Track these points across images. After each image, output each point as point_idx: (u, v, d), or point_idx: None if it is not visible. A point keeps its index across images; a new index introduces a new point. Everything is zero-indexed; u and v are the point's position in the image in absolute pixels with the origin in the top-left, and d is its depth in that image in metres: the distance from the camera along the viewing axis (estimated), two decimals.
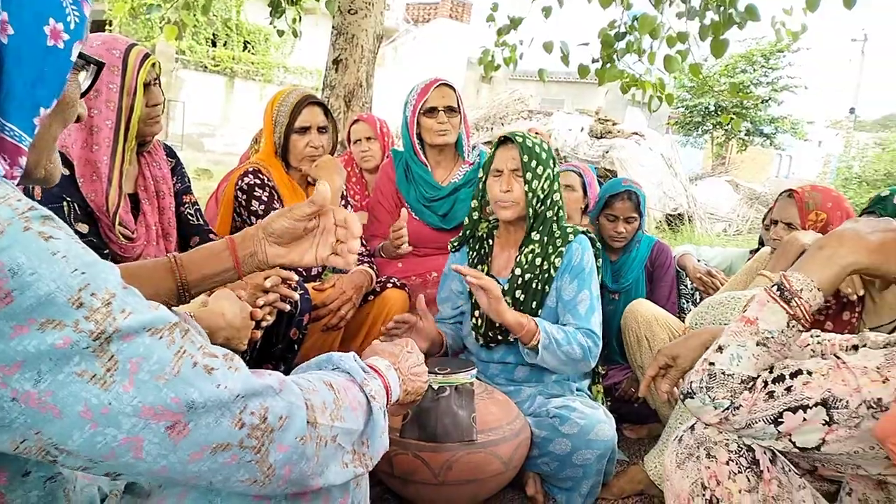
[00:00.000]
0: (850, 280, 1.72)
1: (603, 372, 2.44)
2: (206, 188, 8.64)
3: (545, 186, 2.07)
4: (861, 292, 1.76)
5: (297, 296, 1.78)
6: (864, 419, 0.99)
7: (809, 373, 1.04)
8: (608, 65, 4.47)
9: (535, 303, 2.08)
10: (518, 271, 2.09)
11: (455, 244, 2.28)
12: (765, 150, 21.03)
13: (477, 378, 1.94)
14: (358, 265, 2.34)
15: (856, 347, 1.20)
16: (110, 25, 11.73)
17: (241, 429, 0.73)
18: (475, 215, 2.21)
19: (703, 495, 1.07)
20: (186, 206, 2.03)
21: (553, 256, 2.07)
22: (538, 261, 2.08)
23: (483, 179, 2.15)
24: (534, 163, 2.04)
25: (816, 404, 1.01)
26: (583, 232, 2.14)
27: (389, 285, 2.31)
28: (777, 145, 21.20)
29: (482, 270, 2.18)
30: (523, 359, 2.07)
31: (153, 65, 1.80)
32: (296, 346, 2.06)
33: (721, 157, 18.90)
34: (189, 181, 2.09)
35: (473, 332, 2.16)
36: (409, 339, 1.25)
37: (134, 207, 1.87)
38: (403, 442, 1.75)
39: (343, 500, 0.93)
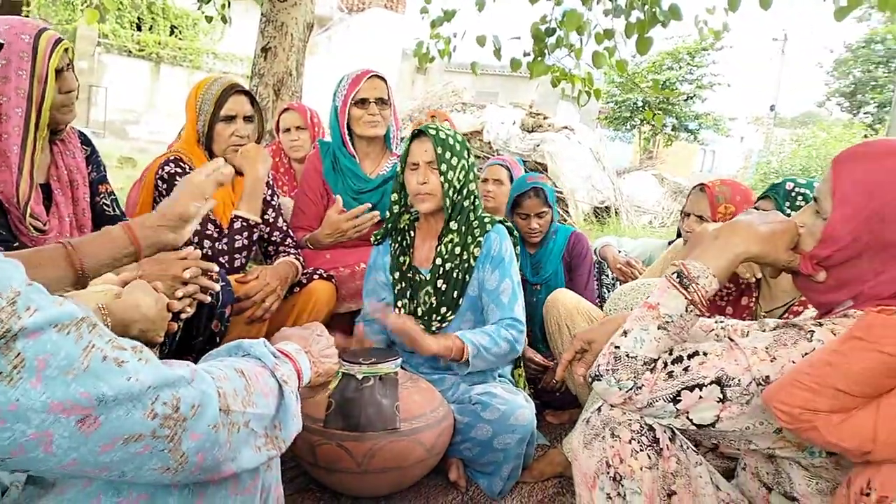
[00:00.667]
0: (749, 265, 1.83)
1: (524, 362, 2.51)
2: (129, 177, 8.33)
3: (461, 177, 2.12)
4: (759, 275, 1.87)
5: (217, 287, 1.76)
6: (755, 396, 1.07)
7: (705, 354, 1.12)
8: (539, 59, 4.55)
9: (456, 292, 2.13)
10: (439, 261, 2.14)
11: (378, 237, 2.30)
12: (689, 145, 21.78)
13: (402, 367, 1.97)
14: (284, 256, 2.33)
15: None
16: (27, 6, 11.17)
17: (153, 419, 0.74)
18: (396, 209, 2.24)
19: (608, 473, 1.13)
20: (102, 196, 1.98)
21: (472, 246, 2.13)
22: (458, 250, 2.13)
23: (401, 172, 2.18)
24: (448, 154, 2.08)
25: (711, 383, 1.09)
26: (500, 221, 2.20)
27: (316, 277, 2.31)
28: (701, 141, 22.00)
29: (405, 262, 2.22)
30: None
31: (66, 50, 1.74)
32: (217, 339, 2.04)
33: (648, 151, 19.50)
34: (105, 170, 2.03)
35: None
36: (318, 322, 1.28)
37: (46, 198, 1.80)
38: (327, 432, 1.76)
39: (253, 483, 0.94)
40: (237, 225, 2.13)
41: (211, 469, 0.82)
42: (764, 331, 1.15)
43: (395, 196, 2.23)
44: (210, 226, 2.15)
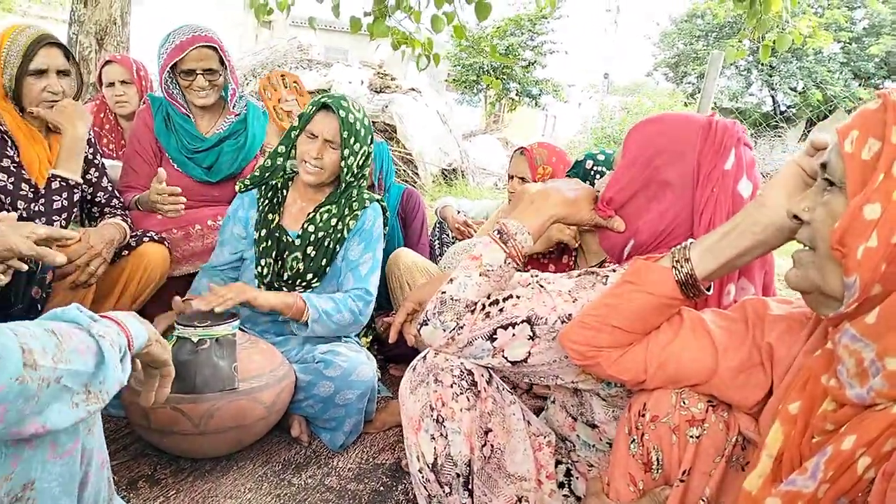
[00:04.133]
0: (572, 232, 2.02)
1: (372, 325, 2.58)
2: None
3: (360, 163, 2.13)
4: (578, 242, 2.07)
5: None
6: (559, 333, 1.20)
7: (518, 297, 1.24)
8: (379, 19, 4.52)
9: (325, 260, 2.15)
10: (311, 228, 2.13)
11: (246, 184, 2.21)
12: (532, 110, 22.67)
13: (242, 329, 1.97)
14: (109, 218, 2.22)
15: None
16: None
17: None
18: (279, 160, 2.16)
19: (432, 416, 1.23)
20: None
21: (348, 219, 2.15)
22: (333, 221, 2.14)
23: (297, 132, 2.12)
24: (352, 139, 2.07)
25: (523, 321, 1.21)
26: (377, 201, 2.23)
27: (146, 239, 2.21)
28: (542, 106, 22.96)
29: (273, 220, 2.19)
30: None
31: None
32: (39, 306, 1.93)
33: (495, 115, 20.08)
34: None
35: (257, 281, 2.16)
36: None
37: None
38: None
39: (73, 446, 0.94)
40: (55, 185, 2.00)
41: (15, 423, 0.82)
42: (568, 279, 1.30)
43: (281, 148, 2.16)
44: (24, 186, 2.00)
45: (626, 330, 1.09)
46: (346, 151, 2.08)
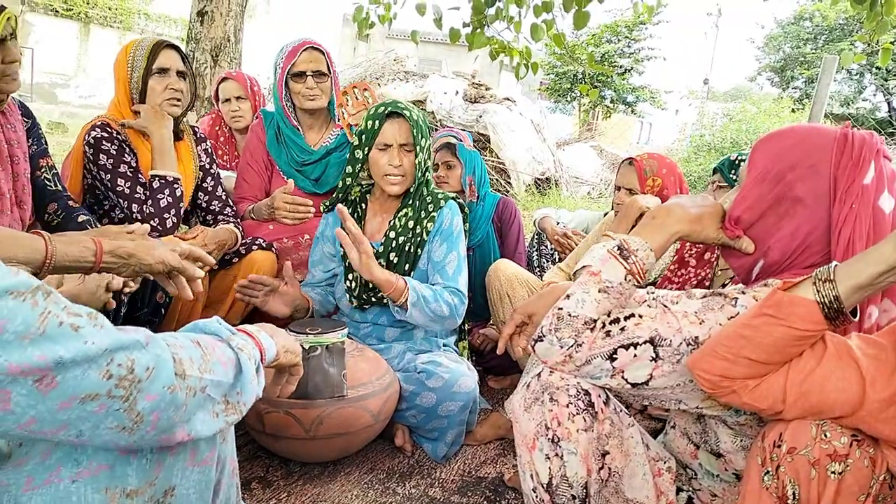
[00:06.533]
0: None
1: (468, 328, 2.58)
2: (59, 143, 8.01)
3: (426, 158, 2.16)
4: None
5: None
6: (685, 356, 1.15)
7: (640, 316, 1.20)
8: (478, 30, 4.54)
9: (408, 265, 2.17)
10: (392, 234, 2.16)
11: (328, 205, 2.29)
12: (627, 117, 22.20)
13: (348, 337, 2.01)
14: (224, 224, 2.32)
15: None
16: None
17: (108, 379, 0.77)
18: (349, 180, 2.22)
19: (547, 435, 1.20)
20: (43, 170, 1.92)
21: (426, 221, 2.16)
22: (411, 224, 2.16)
23: (363, 149, 2.14)
24: (421, 137, 2.10)
25: (645, 342, 1.16)
26: (452, 198, 2.24)
27: (255, 247, 2.30)
28: (638, 113, 22.45)
29: None
30: (394, 320, 2.17)
31: (8, 19, 1.68)
32: (163, 310, 2.04)
33: (588, 123, 19.78)
34: (45, 143, 1.97)
35: (347, 295, 2.21)
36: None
37: None
38: (274, 400, 1.79)
39: (210, 454, 0.98)
40: (156, 185, 2.11)
41: (166, 430, 0.85)
42: (691, 299, 1.24)
43: (349, 168, 2.21)
44: (139, 189, 2.12)
45: (765, 362, 1.03)
46: (418, 149, 2.10)
